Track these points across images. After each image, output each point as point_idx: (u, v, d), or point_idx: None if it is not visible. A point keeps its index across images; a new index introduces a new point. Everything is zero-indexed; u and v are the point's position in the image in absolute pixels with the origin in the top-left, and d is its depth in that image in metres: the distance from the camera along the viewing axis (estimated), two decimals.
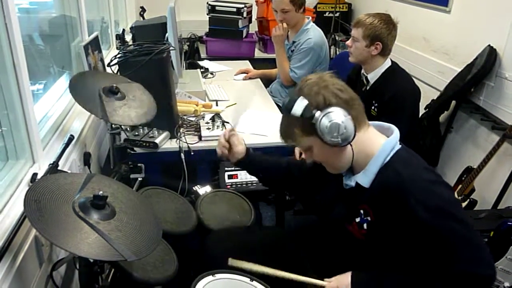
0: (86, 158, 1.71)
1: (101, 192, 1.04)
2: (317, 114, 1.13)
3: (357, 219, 1.25)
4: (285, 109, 1.19)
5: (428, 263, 1.15)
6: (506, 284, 1.89)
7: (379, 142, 1.22)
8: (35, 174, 1.31)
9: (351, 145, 1.16)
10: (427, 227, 1.10)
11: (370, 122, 1.28)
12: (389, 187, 1.15)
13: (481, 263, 1.12)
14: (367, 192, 1.21)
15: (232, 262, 1.28)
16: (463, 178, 2.34)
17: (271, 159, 1.63)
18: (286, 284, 1.31)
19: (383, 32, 2.06)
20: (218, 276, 1.25)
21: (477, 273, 1.11)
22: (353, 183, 1.24)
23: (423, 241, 1.13)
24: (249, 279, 1.28)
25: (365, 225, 1.24)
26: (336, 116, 1.13)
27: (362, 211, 1.24)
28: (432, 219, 1.10)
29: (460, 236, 1.11)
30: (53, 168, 1.36)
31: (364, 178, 1.21)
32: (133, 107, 1.59)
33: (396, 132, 1.25)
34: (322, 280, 1.27)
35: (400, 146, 1.23)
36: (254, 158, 1.58)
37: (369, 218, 1.22)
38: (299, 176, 1.54)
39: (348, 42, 2.20)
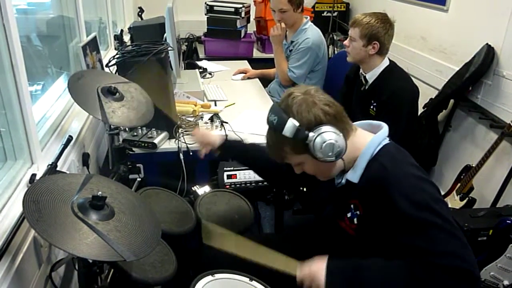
0: (85, 159, 1.70)
1: (100, 192, 1.04)
2: (310, 134, 1.14)
3: (348, 214, 1.27)
4: (274, 128, 1.18)
5: (412, 255, 1.13)
6: (505, 282, 1.90)
7: (366, 139, 1.24)
8: (33, 175, 1.31)
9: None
10: (411, 220, 1.11)
11: (358, 122, 1.31)
12: (375, 180, 1.17)
13: (464, 259, 1.09)
14: (356, 187, 1.23)
15: (204, 232, 1.30)
16: (461, 177, 2.35)
17: (258, 147, 1.63)
18: (286, 283, 1.31)
19: (380, 31, 2.06)
20: (217, 276, 1.25)
21: (462, 267, 1.08)
22: (343, 181, 1.26)
23: (406, 233, 1.13)
24: (248, 279, 1.28)
25: (355, 220, 1.25)
26: (329, 136, 1.13)
27: (352, 206, 1.26)
28: (416, 213, 1.10)
29: (443, 230, 1.11)
30: (52, 168, 1.35)
31: (353, 174, 1.23)
32: (131, 108, 1.58)
33: (384, 128, 1.26)
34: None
35: (389, 142, 1.25)
36: (234, 143, 1.66)
37: (358, 212, 1.24)
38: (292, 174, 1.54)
39: (346, 42, 2.21)
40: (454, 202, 2.31)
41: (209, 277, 1.23)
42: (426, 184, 1.17)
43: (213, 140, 1.62)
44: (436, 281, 1.09)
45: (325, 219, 1.38)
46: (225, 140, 1.63)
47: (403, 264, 1.14)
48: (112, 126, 1.85)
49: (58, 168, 1.39)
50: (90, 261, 1.16)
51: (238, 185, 1.93)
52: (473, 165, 2.27)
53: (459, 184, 2.34)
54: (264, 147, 1.55)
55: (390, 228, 1.15)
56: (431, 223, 1.11)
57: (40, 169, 1.40)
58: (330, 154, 1.14)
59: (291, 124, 1.14)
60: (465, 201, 2.26)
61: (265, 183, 1.96)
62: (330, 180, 1.32)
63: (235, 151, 1.66)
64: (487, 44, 2.34)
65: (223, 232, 1.31)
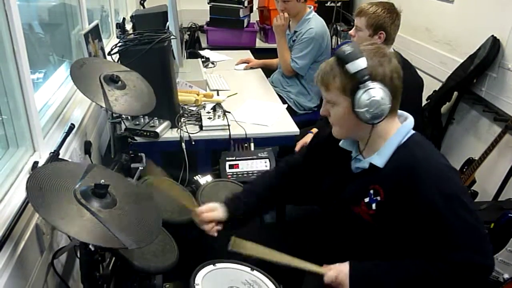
0: (87, 147, 1.70)
1: (102, 180, 1.04)
2: (368, 83, 1.12)
3: (366, 200, 1.25)
4: (341, 58, 1.15)
5: (432, 247, 1.15)
6: (506, 275, 1.90)
7: (395, 126, 1.23)
8: (36, 163, 1.31)
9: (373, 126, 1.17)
10: (438, 212, 1.11)
11: None
12: (403, 167, 1.17)
13: (484, 254, 1.13)
14: (380, 173, 1.21)
15: (233, 244, 1.26)
16: (464, 170, 2.34)
17: (259, 187, 1.54)
18: (287, 273, 1.32)
19: (387, 21, 2.04)
20: (218, 265, 1.25)
21: (479, 263, 1.12)
22: (366, 165, 1.24)
23: (430, 224, 1.13)
24: (249, 268, 1.28)
25: (373, 205, 1.23)
26: (382, 96, 1.12)
27: (372, 191, 1.23)
28: (445, 205, 1.11)
29: (468, 225, 1.12)
30: (54, 156, 1.35)
31: (379, 159, 1.22)
32: (134, 97, 1.58)
33: (410, 118, 1.26)
34: (321, 267, 1.27)
35: (414, 132, 1.25)
36: (236, 202, 1.47)
37: (378, 198, 1.22)
38: (304, 170, 1.53)
39: (351, 32, 2.19)
40: None
41: (211, 266, 1.24)
42: (455, 175, 1.18)
43: (218, 216, 1.43)
44: (456, 277, 1.12)
45: (337, 205, 1.35)
46: (228, 206, 1.46)
47: (424, 263, 1.16)
48: (114, 115, 1.85)
49: (60, 156, 1.39)
50: (92, 249, 1.17)
51: (240, 175, 1.92)
52: (476, 158, 2.26)
53: (461, 177, 2.34)
54: (258, 177, 1.53)
55: (413, 217, 1.15)
56: (459, 218, 1.11)
57: (42, 157, 1.39)
58: (370, 111, 1.12)
59: (361, 62, 1.11)
60: None
61: None
62: (345, 165, 1.32)
63: (241, 209, 1.48)
64: (492, 36, 2.32)
65: (252, 246, 1.28)
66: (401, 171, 1.17)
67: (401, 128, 1.23)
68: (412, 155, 1.17)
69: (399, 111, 1.28)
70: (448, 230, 1.12)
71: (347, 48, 1.14)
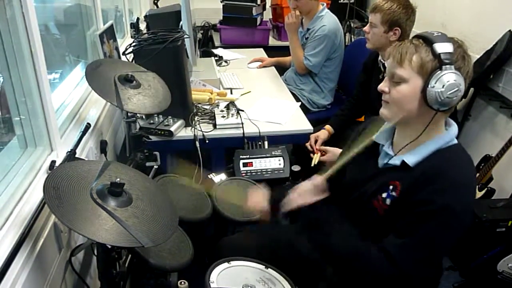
0: (103, 146, 1.72)
1: (118, 179, 1.05)
2: (449, 66, 1.10)
3: (384, 194, 1.23)
4: (428, 38, 1.13)
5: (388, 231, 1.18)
6: None
7: (440, 129, 1.20)
8: (53, 162, 1.33)
9: (435, 114, 1.14)
10: (426, 212, 1.12)
11: None
12: (432, 170, 1.15)
13: (416, 269, 1.15)
14: (406, 171, 1.19)
15: None
16: (481, 167, 2.31)
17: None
18: (301, 271, 1.32)
19: (402, 17, 2.02)
20: (233, 263, 1.26)
21: (404, 272, 1.13)
22: (398, 162, 1.22)
23: (410, 214, 1.15)
24: (264, 266, 1.29)
25: (387, 201, 1.22)
26: (459, 82, 1.10)
27: (391, 187, 1.22)
28: (436, 211, 1.11)
29: (430, 241, 1.13)
30: (71, 155, 1.37)
31: (413, 158, 1.19)
32: (148, 96, 1.59)
33: (455, 126, 1.23)
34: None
35: (457, 142, 1.22)
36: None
37: (394, 194, 1.21)
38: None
39: (366, 28, 2.17)
40: None
41: (225, 264, 1.24)
42: (472, 195, 1.19)
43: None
44: (379, 266, 1.16)
45: (357, 199, 1.34)
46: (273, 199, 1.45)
47: (369, 244, 1.20)
48: (129, 114, 1.87)
49: (76, 155, 1.41)
50: (109, 246, 1.18)
51: (254, 173, 1.93)
52: (493, 155, 2.23)
53: (478, 175, 2.30)
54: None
55: (409, 215, 1.16)
56: (432, 227, 1.12)
57: (59, 156, 1.42)
58: (444, 94, 1.09)
59: (449, 46, 1.11)
60: (484, 191, 2.22)
61: (281, 171, 1.96)
62: (372, 160, 1.31)
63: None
64: (509, 31, 2.28)
65: None
66: (427, 173, 1.15)
67: (446, 133, 1.20)
68: (447, 161, 1.16)
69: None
70: (413, 228, 1.13)
71: (436, 31, 1.14)
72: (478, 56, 2.45)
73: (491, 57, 2.33)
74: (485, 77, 2.41)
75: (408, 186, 1.17)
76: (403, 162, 1.20)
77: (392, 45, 1.21)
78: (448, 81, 1.09)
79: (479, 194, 2.24)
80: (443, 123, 1.21)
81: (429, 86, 1.10)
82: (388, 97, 1.20)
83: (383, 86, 1.22)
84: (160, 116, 1.99)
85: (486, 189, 2.22)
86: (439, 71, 1.10)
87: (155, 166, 1.83)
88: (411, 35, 2.08)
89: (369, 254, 1.18)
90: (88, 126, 1.54)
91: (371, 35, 2.13)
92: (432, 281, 1.31)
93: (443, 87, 1.09)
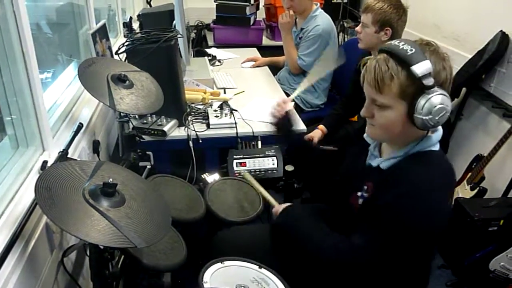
0: (95, 146, 1.71)
1: (110, 179, 1.04)
2: (435, 89, 1.02)
3: (359, 193, 1.26)
4: (404, 59, 1.03)
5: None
6: None
7: (421, 133, 1.14)
8: (45, 162, 1.32)
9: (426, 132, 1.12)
10: (390, 213, 1.12)
11: None
12: (397, 176, 1.15)
13: (359, 253, 1.15)
14: (380, 173, 1.21)
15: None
16: (473, 166, 2.33)
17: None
18: (294, 271, 1.32)
19: (393, 17, 2.03)
20: (226, 263, 1.26)
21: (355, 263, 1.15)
22: (375, 164, 1.23)
23: (374, 209, 1.16)
24: (257, 266, 1.28)
25: (360, 200, 1.25)
26: (446, 103, 1.04)
27: (365, 187, 1.24)
28: (397, 214, 1.11)
29: (396, 237, 1.11)
30: (63, 155, 1.36)
31: (386, 163, 1.20)
32: (140, 96, 1.58)
33: (439, 132, 1.18)
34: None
35: (438, 150, 1.17)
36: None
37: (366, 195, 1.23)
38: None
39: (358, 28, 2.18)
40: (465, 191, 2.29)
41: (219, 264, 1.24)
42: (439, 216, 1.14)
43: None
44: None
45: (342, 196, 1.36)
46: None
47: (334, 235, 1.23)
48: (122, 114, 1.86)
49: (69, 155, 1.40)
50: (102, 247, 1.17)
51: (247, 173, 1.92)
52: (485, 155, 2.24)
53: (470, 174, 2.32)
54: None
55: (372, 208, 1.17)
56: (399, 230, 1.11)
57: (51, 156, 1.41)
58: (434, 118, 1.03)
59: (427, 65, 1.01)
60: (476, 190, 2.24)
61: (275, 171, 1.96)
62: (362, 159, 1.32)
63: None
64: (501, 31, 2.29)
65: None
66: (394, 176, 1.15)
67: (427, 139, 1.14)
68: (416, 165, 1.13)
69: None
70: (375, 227, 1.13)
71: (408, 48, 1.03)
72: (471, 56, 2.47)
73: (483, 57, 2.35)
74: (477, 77, 2.43)
75: (377, 189, 1.19)
76: (378, 164, 1.22)
77: (364, 67, 1.13)
78: (435, 106, 1.03)
79: (471, 194, 2.26)
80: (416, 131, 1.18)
81: (416, 112, 1.05)
82: (374, 121, 1.16)
83: (365, 112, 1.17)
84: (153, 115, 1.98)
85: (478, 188, 2.24)
86: (423, 95, 1.04)
87: (148, 166, 1.83)
88: (404, 34, 2.11)
89: (322, 241, 1.20)
90: (80, 126, 1.53)
91: (363, 35, 2.14)
92: (421, 281, 1.31)
93: (430, 113, 1.03)
